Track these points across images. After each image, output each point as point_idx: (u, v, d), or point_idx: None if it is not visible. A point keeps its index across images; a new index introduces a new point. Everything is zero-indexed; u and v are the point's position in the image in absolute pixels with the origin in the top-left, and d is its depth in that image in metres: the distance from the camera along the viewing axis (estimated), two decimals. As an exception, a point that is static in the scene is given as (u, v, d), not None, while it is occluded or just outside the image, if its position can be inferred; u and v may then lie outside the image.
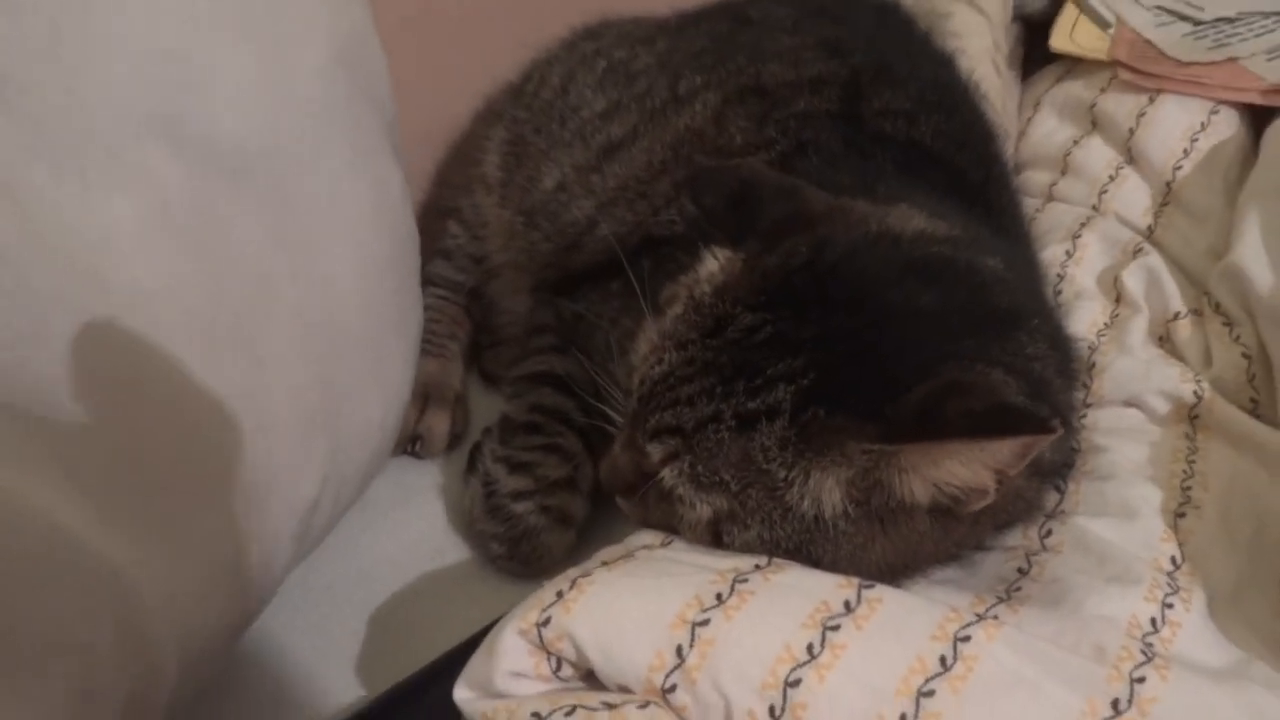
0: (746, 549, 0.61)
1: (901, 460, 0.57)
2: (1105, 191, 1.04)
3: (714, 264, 0.69)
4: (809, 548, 0.60)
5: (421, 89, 1.10)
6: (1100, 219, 1.00)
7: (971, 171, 0.87)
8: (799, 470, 0.59)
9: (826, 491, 0.59)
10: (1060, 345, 0.69)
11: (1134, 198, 1.02)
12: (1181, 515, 0.69)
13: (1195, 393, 0.80)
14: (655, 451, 0.63)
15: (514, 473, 0.82)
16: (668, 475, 0.63)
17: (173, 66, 0.60)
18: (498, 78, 1.18)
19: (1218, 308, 0.89)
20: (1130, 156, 1.05)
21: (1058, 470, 0.71)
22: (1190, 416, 0.79)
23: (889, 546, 0.60)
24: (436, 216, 1.11)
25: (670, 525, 0.65)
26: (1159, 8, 1.14)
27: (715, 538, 0.62)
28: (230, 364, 0.60)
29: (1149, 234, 1.00)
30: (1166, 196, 1.01)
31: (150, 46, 0.59)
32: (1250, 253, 0.87)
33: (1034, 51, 1.24)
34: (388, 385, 0.78)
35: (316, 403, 0.67)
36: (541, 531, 0.81)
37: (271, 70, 0.67)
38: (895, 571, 0.62)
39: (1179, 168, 1.02)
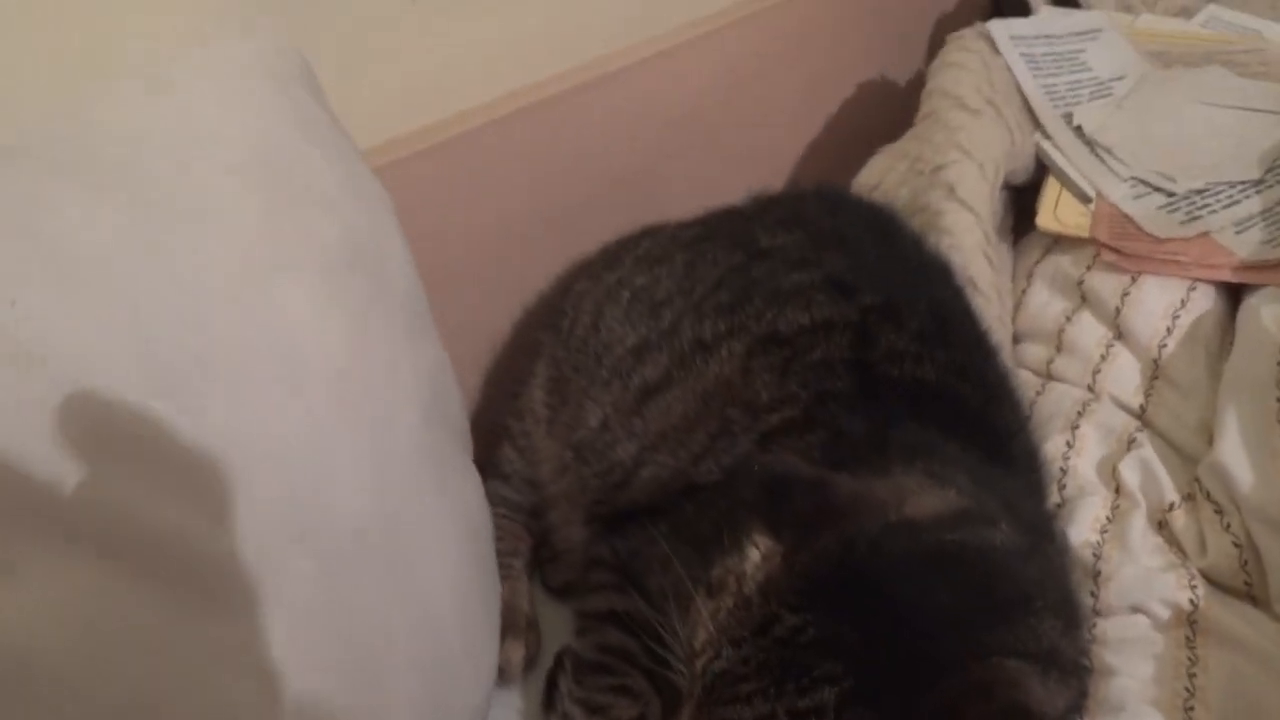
0: (807, 825, 0.71)
1: None
2: (1099, 371, 1.13)
3: (756, 555, 0.79)
4: (860, 826, 0.70)
5: (474, 316, 1.20)
6: (1096, 405, 1.09)
7: (973, 398, 0.96)
8: None
9: (869, 781, 0.69)
10: (1062, 608, 0.78)
11: (1125, 376, 1.12)
12: (1185, 744, 0.79)
13: (1191, 600, 0.89)
14: (722, 739, 0.74)
15: (591, 716, 0.93)
16: (734, 760, 0.73)
17: (304, 478, 0.65)
18: (540, 291, 1.28)
19: (1208, 495, 0.98)
20: (1119, 333, 1.14)
21: (1074, 707, 0.81)
22: (1189, 621, 0.89)
23: (929, 824, 0.70)
24: (492, 435, 1.20)
25: (738, 794, 0.75)
26: (1135, 179, 1.24)
27: (779, 813, 0.73)
28: (366, 715, 0.69)
29: (1141, 413, 1.09)
30: (1155, 373, 1.10)
31: (284, 469, 0.64)
32: (1230, 449, 0.96)
33: (1024, 214, 1.33)
34: (481, 665, 0.86)
35: (428, 714, 0.76)
36: (620, 769, 0.91)
37: (380, 446, 0.72)
38: (937, 842, 0.72)
39: (1164, 345, 1.11)
